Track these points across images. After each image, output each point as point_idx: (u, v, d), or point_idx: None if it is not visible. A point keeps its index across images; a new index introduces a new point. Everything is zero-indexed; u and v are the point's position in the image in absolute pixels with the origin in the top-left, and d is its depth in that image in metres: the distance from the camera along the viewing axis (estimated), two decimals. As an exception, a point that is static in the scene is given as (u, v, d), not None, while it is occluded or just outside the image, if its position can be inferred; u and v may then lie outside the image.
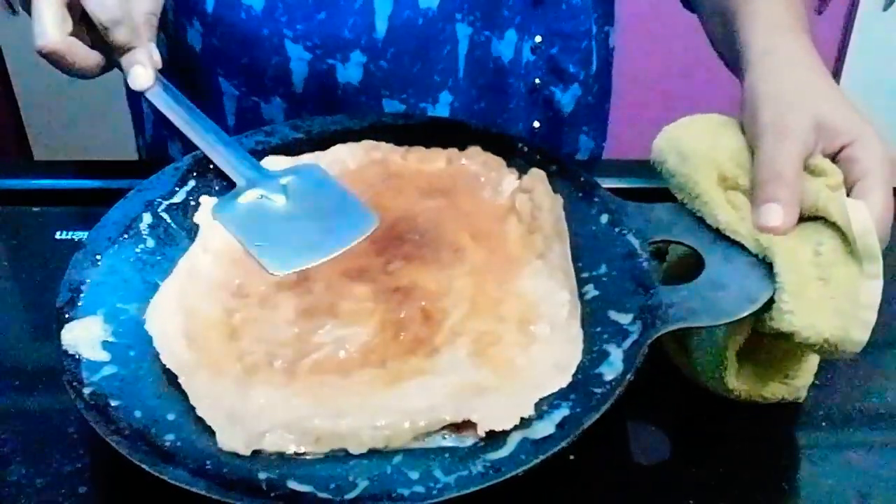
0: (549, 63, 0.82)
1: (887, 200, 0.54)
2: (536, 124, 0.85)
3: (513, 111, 0.82)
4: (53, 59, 0.62)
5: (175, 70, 0.82)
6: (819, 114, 0.56)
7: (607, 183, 0.65)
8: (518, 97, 0.82)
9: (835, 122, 0.56)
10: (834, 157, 0.57)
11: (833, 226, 0.54)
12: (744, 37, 0.63)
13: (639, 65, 1.48)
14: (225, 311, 0.57)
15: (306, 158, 0.68)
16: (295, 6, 0.74)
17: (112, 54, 0.65)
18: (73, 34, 0.62)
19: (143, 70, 0.65)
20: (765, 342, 0.57)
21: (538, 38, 0.80)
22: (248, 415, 0.51)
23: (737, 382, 0.57)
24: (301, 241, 0.62)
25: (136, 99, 0.90)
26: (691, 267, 0.59)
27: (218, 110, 0.81)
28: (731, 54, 0.67)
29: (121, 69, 0.67)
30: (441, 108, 0.79)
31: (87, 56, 0.63)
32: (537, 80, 0.82)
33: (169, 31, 0.80)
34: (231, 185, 0.66)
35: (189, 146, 0.85)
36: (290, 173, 0.66)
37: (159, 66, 0.66)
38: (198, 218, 0.64)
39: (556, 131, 0.86)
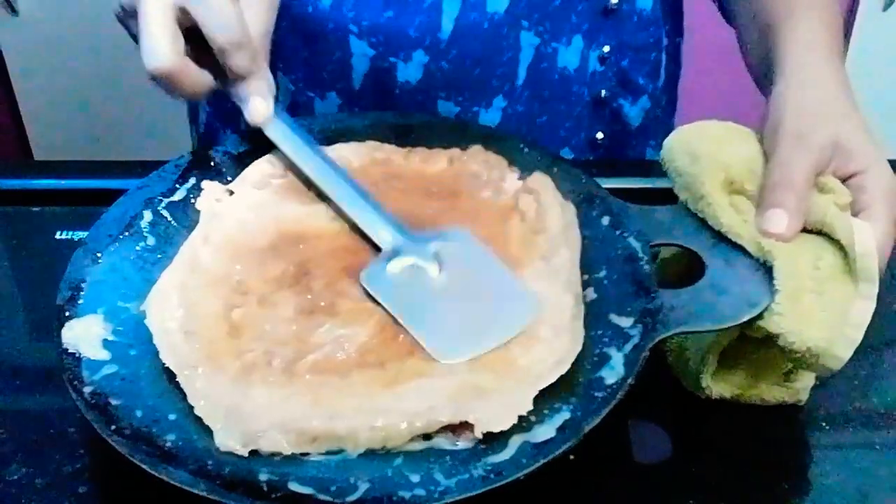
0: (619, 75, 0.82)
1: (889, 233, 0.55)
2: (600, 136, 0.84)
3: (575, 120, 0.81)
4: (166, 81, 0.58)
5: None
6: (839, 134, 0.57)
7: (608, 183, 0.65)
8: (581, 106, 0.81)
9: (852, 147, 0.57)
10: (843, 181, 0.57)
11: (836, 243, 0.54)
12: (779, 51, 0.63)
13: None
14: (224, 307, 0.57)
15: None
16: (363, 2, 0.74)
17: (221, 75, 0.61)
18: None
19: (262, 103, 0.61)
20: (746, 349, 0.57)
21: (606, 49, 0.80)
22: (246, 414, 0.51)
23: (710, 381, 0.57)
24: (463, 323, 0.56)
25: None
26: (683, 266, 0.59)
27: None
28: (761, 67, 0.67)
29: (229, 93, 0.63)
30: (493, 112, 0.79)
31: (199, 78, 0.59)
32: (604, 92, 0.82)
33: None
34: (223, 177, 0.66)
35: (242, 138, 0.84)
36: (437, 238, 0.60)
37: (274, 93, 0.62)
38: (199, 204, 0.64)
39: (622, 144, 0.86)
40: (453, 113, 0.78)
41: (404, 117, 0.74)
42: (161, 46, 0.57)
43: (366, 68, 0.76)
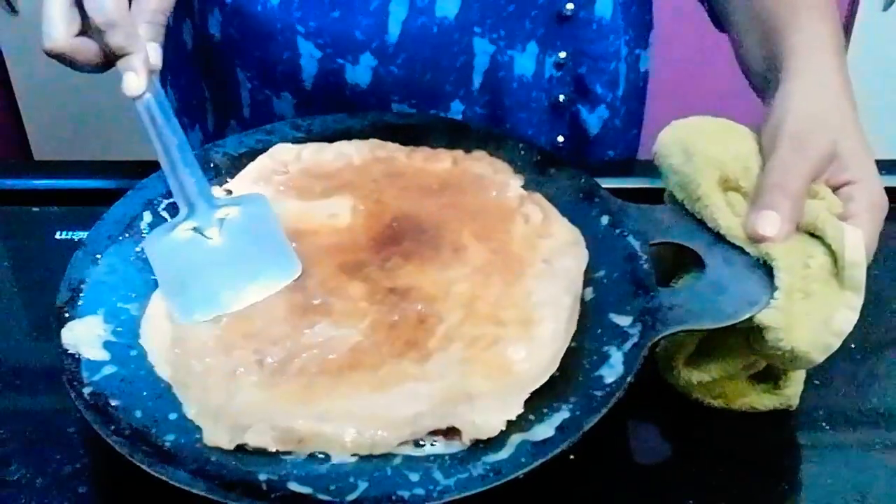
0: (576, 82, 0.82)
1: (871, 245, 0.55)
2: (560, 139, 0.84)
3: (536, 126, 0.82)
4: (60, 60, 0.61)
5: (199, 57, 0.82)
6: (839, 143, 0.57)
7: (607, 183, 0.65)
8: (541, 111, 0.81)
9: (848, 157, 0.57)
10: (834, 190, 0.57)
11: (826, 245, 0.54)
12: (785, 52, 0.63)
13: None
14: None
15: (311, 149, 0.68)
16: (310, 2, 0.74)
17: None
18: (83, 31, 0.61)
19: (134, 77, 0.63)
20: (716, 337, 0.57)
21: (563, 55, 0.79)
22: (235, 410, 0.51)
23: (682, 366, 0.57)
24: (217, 287, 0.59)
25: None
26: (672, 260, 0.59)
27: (236, 100, 0.81)
28: (761, 68, 0.67)
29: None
30: (452, 115, 0.79)
31: (94, 57, 0.62)
32: (562, 97, 0.82)
33: (194, 19, 0.81)
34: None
35: (207, 135, 0.85)
36: (233, 204, 0.63)
37: (158, 67, 0.64)
38: None
39: (581, 150, 0.86)
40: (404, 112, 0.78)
41: (406, 117, 0.74)
42: (54, 29, 0.60)
43: (315, 70, 0.77)
